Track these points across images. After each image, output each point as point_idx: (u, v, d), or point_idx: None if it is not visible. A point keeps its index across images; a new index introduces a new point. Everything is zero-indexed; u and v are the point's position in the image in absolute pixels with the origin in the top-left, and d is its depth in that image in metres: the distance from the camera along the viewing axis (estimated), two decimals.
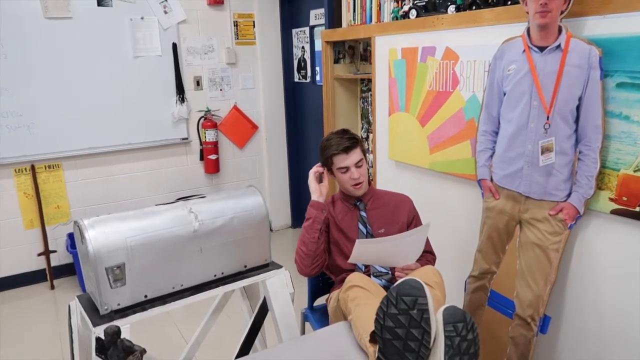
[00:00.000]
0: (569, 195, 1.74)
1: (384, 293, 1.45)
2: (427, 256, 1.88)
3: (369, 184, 1.95)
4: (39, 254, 3.36)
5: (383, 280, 1.78)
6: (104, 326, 1.22)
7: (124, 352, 1.10)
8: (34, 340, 2.74)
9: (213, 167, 3.89)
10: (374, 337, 1.26)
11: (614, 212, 1.68)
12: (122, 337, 1.13)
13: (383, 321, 1.08)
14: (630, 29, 1.56)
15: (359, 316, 1.39)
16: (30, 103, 3.17)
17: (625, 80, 1.59)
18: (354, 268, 1.82)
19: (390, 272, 1.80)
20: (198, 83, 3.78)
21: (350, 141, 1.82)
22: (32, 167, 3.27)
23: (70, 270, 3.48)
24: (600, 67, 1.61)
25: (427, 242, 1.84)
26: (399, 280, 1.13)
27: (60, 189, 3.39)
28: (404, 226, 1.88)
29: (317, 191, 1.84)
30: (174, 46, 3.60)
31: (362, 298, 1.47)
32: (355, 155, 1.82)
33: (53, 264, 3.41)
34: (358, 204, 1.90)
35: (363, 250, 1.57)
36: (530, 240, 1.81)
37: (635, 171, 1.60)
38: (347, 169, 1.82)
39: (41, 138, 3.24)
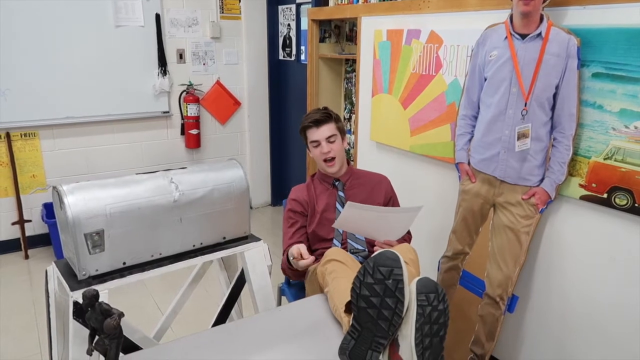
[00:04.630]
0: (541, 180, 1.80)
1: None
2: (404, 234, 1.92)
3: (348, 163, 1.97)
4: (13, 223, 3.32)
5: (360, 257, 1.82)
6: (81, 291, 1.22)
7: (102, 315, 1.11)
8: (7, 308, 2.72)
9: (194, 142, 3.86)
10: (349, 308, 1.30)
11: (583, 198, 1.74)
12: (100, 300, 1.14)
13: (359, 290, 1.12)
14: (607, 21, 1.60)
15: (336, 288, 1.43)
16: (6, 69, 3.09)
17: (600, 71, 1.64)
18: (331, 238, 1.86)
19: (366, 250, 1.84)
20: (181, 56, 3.73)
21: (323, 115, 1.84)
22: (7, 135, 3.20)
23: (45, 240, 3.44)
24: (577, 57, 1.65)
25: None
26: (377, 252, 1.17)
27: (37, 158, 3.33)
28: (380, 206, 1.92)
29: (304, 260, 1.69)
30: (157, 17, 3.53)
31: (339, 271, 1.50)
32: (327, 129, 1.84)
33: (28, 233, 3.37)
34: (337, 183, 1.92)
35: (351, 215, 1.59)
36: (503, 223, 1.87)
37: (605, 159, 1.66)
38: (317, 142, 1.84)
39: (17, 105, 3.16)
